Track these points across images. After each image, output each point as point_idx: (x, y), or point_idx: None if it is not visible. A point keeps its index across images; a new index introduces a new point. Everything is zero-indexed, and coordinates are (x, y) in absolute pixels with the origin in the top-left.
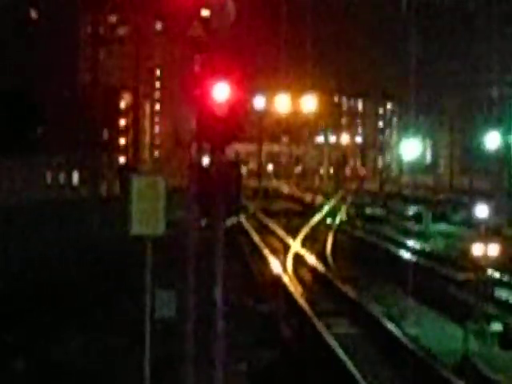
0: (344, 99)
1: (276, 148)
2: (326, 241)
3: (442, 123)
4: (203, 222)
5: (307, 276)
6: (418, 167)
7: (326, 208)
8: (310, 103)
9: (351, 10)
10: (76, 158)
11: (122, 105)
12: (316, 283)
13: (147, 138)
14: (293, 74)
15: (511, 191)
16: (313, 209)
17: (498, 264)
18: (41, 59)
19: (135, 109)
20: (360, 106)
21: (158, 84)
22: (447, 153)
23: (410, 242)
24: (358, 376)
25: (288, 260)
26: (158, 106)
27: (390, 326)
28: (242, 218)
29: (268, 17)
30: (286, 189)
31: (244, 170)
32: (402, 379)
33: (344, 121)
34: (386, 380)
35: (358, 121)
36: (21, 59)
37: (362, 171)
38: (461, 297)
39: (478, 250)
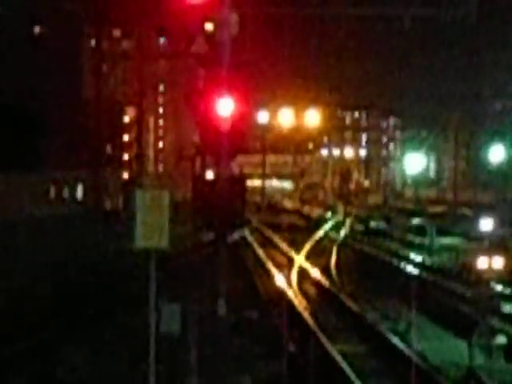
0: (347, 113)
1: (280, 162)
2: (330, 255)
3: (446, 137)
4: (207, 236)
5: (311, 290)
6: (421, 181)
7: (330, 222)
8: (313, 117)
9: (355, 24)
10: (80, 172)
11: (126, 119)
12: (320, 297)
13: (151, 153)
14: (296, 88)
15: None
16: (317, 223)
17: (502, 277)
18: (44, 74)
19: (139, 123)
20: (364, 119)
21: (161, 99)
22: (451, 166)
23: (415, 256)
24: None
25: (292, 274)
26: (161, 121)
27: (395, 340)
28: (246, 232)
29: (271, 31)
30: (289, 203)
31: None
32: None
33: (348, 135)
34: None
35: (362, 134)
36: (24, 74)
37: (366, 185)
38: (465, 311)
39: (482, 263)
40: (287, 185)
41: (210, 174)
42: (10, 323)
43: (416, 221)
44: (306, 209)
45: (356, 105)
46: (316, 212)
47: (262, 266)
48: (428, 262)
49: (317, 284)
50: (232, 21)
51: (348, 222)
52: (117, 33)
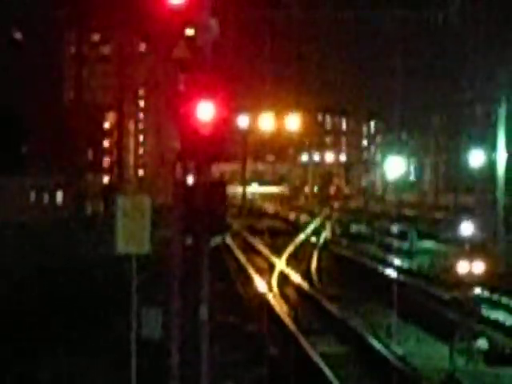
0: (328, 118)
1: (260, 167)
2: (311, 259)
3: (426, 141)
4: (188, 241)
5: (292, 294)
6: (402, 185)
7: (311, 226)
8: (293, 122)
9: (335, 29)
10: (60, 177)
11: (107, 124)
12: (301, 301)
13: (131, 158)
14: (277, 92)
15: (495, 208)
16: (297, 227)
17: (483, 281)
18: (25, 79)
19: (119, 128)
20: (344, 124)
21: (142, 103)
22: (432, 170)
23: (396, 260)
24: None
25: (273, 278)
26: (142, 126)
27: (376, 343)
28: (227, 237)
29: (252, 36)
30: (270, 207)
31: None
32: None
33: (328, 139)
34: None
35: (343, 139)
36: (5, 79)
37: (347, 189)
38: (446, 314)
39: (463, 267)
40: (268, 190)
41: (190, 179)
42: None
43: (397, 225)
44: (287, 213)
45: (336, 109)
46: (296, 216)
47: (243, 270)
48: (408, 265)
49: (297, 288)
50: (213, 25)
51: (329, 225)
52: (97, 37)
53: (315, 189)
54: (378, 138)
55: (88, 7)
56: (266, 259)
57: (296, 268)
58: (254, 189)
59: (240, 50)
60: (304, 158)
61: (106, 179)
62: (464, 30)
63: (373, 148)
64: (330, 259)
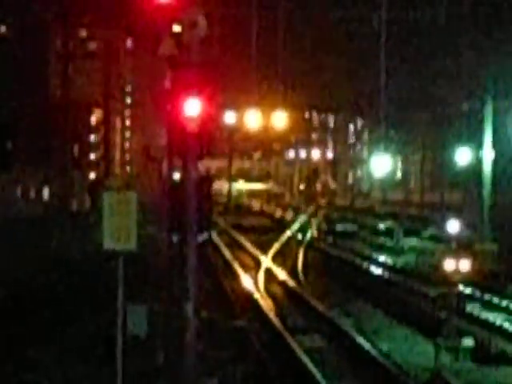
0: (315, 115)
1: (247, 164)
2: (297, 256)
3: (413, 139)
4: (175, 238)
5: (278, 292)
6: (388, 182)
7: (297, 224)
8: (280, 119)
9: (321, 27)
10: (47, 173)
11: (93, 120)
12: (287, 299)
13: (118, 154)
14: (263, 89)
15: (482, 206)
16: (283, 224)
17: (469, 279)
18: (10, 74)
19: (106, 124)
20: (331, 121)
21: (128, 100)
22: (418, 168)
23: (382, 258)
24: None
25: (259, 275)
26: (128, 122)
27: (362, 341)
28: (213, 234)
29: (239, 33)
30: (256, 204)
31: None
32: None
33: (315, 136)
34: None
35: (329, 136)
36: None
37: (333, 186)
38: (432, 312)
39: (449, 265)
40: (254, 186)
41: (176, 176)
42: None
43: (383, 222)
44: (272, 210)
45: (323, 106)
46: (282, 213)
47: (229, 267)
48: (393, 262)
49: (283, 285)
50: (200, 22)
51: (315, 223)
52: (83, 33)
53: (301, 186)
54: (365, 136)
55: (74, 3)
56: (252, 256)
57: (282, 265)
58: (240, 185)
59: (227, 46)
60: (291, 154)
61: (92, 175)
62: (450, 28)
63: (359, 145)
64: (315, 257)
